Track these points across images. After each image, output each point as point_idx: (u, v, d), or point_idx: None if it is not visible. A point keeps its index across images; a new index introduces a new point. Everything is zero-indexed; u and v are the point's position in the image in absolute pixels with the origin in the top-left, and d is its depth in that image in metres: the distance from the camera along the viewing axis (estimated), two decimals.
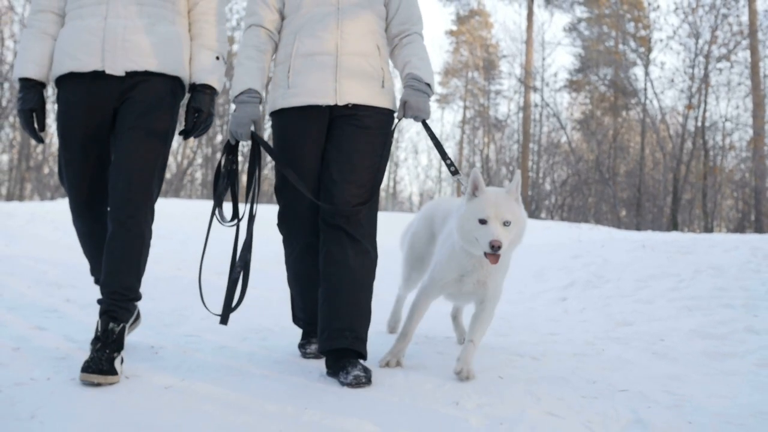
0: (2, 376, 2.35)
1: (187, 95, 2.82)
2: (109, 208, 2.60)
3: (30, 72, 2.63)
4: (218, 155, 26.23)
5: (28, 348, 2.74)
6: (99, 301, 2.58)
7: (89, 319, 3.47)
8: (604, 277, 5.01)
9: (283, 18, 2.78)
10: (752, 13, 18.93)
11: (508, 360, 2.94)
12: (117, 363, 2.46)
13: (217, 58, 2.77)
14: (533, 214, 22.75)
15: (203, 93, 2.72)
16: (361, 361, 2.60)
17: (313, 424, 2.05)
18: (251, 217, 2.70)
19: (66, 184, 2.69)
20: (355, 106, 2.66)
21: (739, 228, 20.16)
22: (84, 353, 2.72)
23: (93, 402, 2.18)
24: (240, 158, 2.88)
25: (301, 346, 2.91)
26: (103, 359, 2.42)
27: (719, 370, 2.90)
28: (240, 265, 2.66)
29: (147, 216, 2.61)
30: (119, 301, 2.54)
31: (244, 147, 3.00)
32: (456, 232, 2.55)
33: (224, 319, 2.64)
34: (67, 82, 2.61)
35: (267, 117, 2.97)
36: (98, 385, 2.35)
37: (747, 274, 4.43)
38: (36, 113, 2.64)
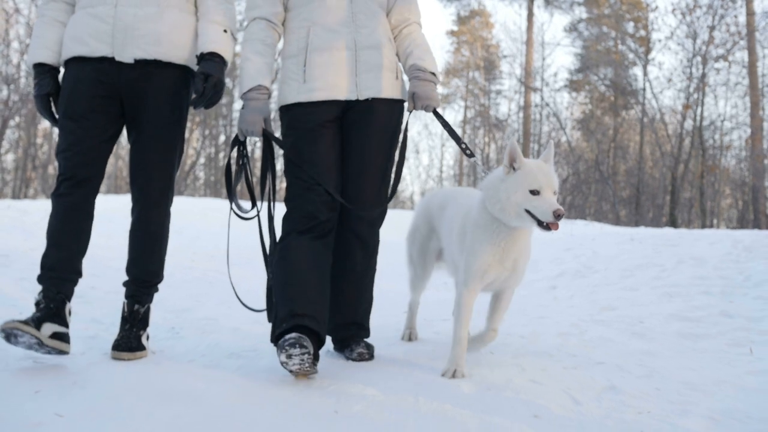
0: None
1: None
2: (131, 201, 2.77)
3: (44, 57, 2.65)
4: (222, 155, 26.49)
5: None
6: (125, 284, 2.79)
7: (113, 304, 3.76)
8: (592, 268, 5.28)
9: (286, 10, 2.72)
10: (749, 13, 19.12)
11: (499, 338, 3.20)
12: (144, 339, 2.73)
13: (225, 31, 2.71)
14: None
15: (212, 60, 2.65)
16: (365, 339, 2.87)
17: (323, 389, 2.32)
18: (270, 218, 2.71)
19: (60, 150, 2.60)
20: (373, 100, 2.65)
21: (739, 226, 20.36)
22: (111, 334, 2.99)
23: (125, 372, 2.46)
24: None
25: (282, 348, 2.35)
26: (131, 337, 2.69)
27: (691, 348, 3.17)
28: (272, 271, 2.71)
29: (166, 207, 2.79)
30: (142, 287, 2.77)
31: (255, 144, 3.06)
32: (495, 205, 2.43)
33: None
34: (76, 63, 2.62)
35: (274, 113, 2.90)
36: (128, 360, 2.63)
37: (726, 264, 4.70)
38: (53, 97, 2.66)
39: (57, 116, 2.66)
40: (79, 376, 2.35)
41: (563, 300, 4.53)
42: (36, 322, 2.39)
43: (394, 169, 2.77)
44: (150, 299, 2.82)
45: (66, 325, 2.50)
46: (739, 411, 2.23)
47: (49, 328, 2.41)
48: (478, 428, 1.97)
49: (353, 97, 2.62)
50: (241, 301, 2.82)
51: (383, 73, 2.67)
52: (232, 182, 2.74)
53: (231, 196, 2.72)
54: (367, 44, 2.64)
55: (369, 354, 2.78)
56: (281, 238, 2.65)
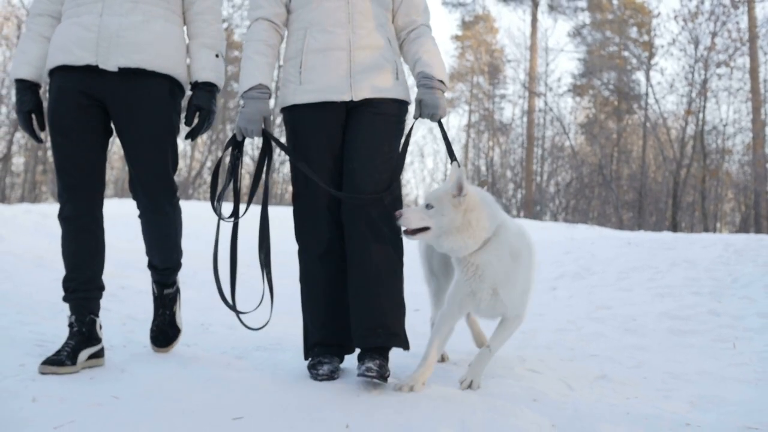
0: None
1: (188, 93, 2.82)
2: (136, 203, 2.83)
3: (25, 73, 2.67)
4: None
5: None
6: (149, 267, 2.95)
7: (144, 302, 4.04)
8: (590, 270, 5.56)
9: (289, 12, 2.70)
10: (751, 19, 19.34)
11: None
12: (178, 319, 2.96)
13: (217, 55, 2.77)
14: (537, 215, 23.27)
15: (205, 90, 2.71)
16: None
17: (344, 378, 2.60)
18: (264, 218, 2.70)
19: (57, 168, 2.65)
20: (371, 100, 2.60)
21: (741, 230, 20.53)
22: (147, 329, 3.24)
23: (166, 361, 2.74)
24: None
25: (312, 366, 2.60)
26: (166, 324, 2.92)
27: (679, 343, 3.44)
28: (264, 264, 2.72)
29: (171, 203, 2.79)
30: (164, 273, 2.95)
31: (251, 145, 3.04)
32: None
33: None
34: (60, 72, 2.62)
35: (276, 113, 2.90)
36: (167, 352, 2.89)
37: (717, 266, 4.96)
38: (34, 114, 2.69)
39: (37, 133, 2.72)
40: (126, 365, 2.64)
41: (562, 300, 4.80)
42: (72, 355, 2.51)
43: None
44: (174, 277, 2.99)
45: (99, 341, 2.66)
46: (716, 396, 2.49)
47: (84, 354, 2.56)
48: (483, 409, 2.22)
49: (348, 98, 2.58)
50: (239, 316, 2.74)
51: (379, 73, 2.62)
52: (218, 183, 2.73)
53: (213, 196, 2.68)
54: (362, 45, 2.60)
55: (379, 375, 2.43)
56: (300, 251, 2.72)
